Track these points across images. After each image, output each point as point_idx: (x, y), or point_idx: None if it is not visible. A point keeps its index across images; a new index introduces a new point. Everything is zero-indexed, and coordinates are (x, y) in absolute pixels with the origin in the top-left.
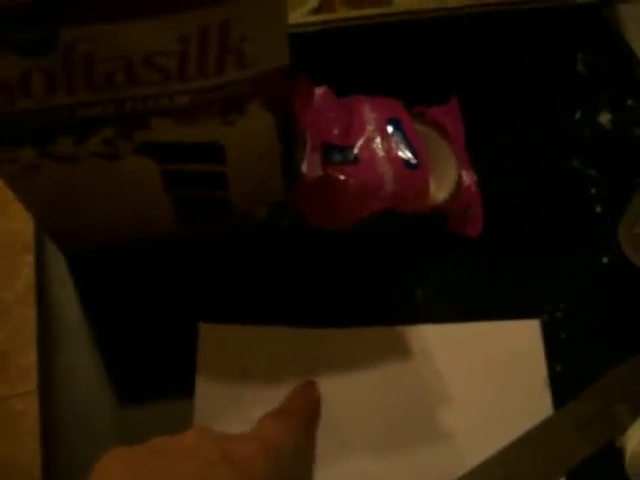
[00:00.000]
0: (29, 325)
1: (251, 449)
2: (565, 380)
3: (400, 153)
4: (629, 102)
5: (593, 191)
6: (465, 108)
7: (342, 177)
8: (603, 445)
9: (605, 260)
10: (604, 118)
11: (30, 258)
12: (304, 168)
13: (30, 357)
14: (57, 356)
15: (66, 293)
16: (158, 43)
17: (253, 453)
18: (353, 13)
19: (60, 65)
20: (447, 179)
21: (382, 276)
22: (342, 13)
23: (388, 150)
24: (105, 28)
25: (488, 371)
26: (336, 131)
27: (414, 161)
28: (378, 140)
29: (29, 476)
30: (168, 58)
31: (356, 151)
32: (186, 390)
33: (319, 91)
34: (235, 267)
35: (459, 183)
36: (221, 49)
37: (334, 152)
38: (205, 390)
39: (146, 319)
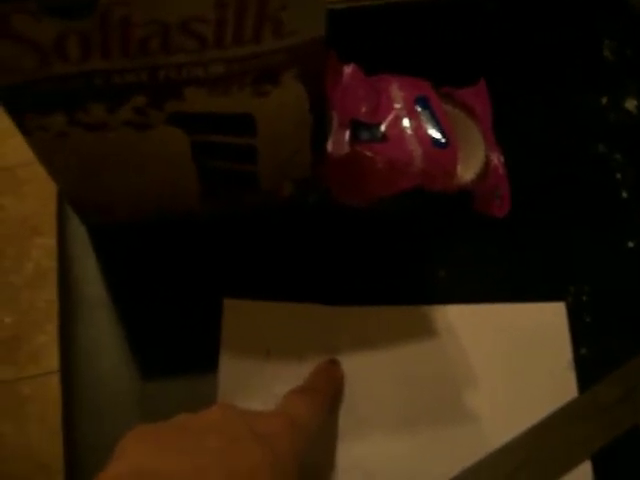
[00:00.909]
0: (38, 309)
1: (277, 425)
2: (590, 363)
3: (429, 131)
4: None
5: (619, 176)
6: (493, 90)
7: (370, 154)
8: (627, 429)
9: (631, 244)
10: (630, 104)
11: (40, 241)
12: (330, 146)
13: (39, 340)
14: (79, 331)
15: (88, 267)
16: (195, 8)
17: (280, 429)
18: None
19: (97, 29)
20: (474, 159)
21: (407, 254)
22: None
23: (417, 128)
24: None
25: (513, 353)
26: (364, 109)
27: (443, 140)
28: (406, 118)
29: (32, 461)
30: (205, 25)
31: (384, 129)
32: (210, 366)
33: (348, 69)
34: (260, 244)
35: (486, 164)
36: (259, 17)
37: (362, 129)
38: (229, 366)
39: (170, 294)
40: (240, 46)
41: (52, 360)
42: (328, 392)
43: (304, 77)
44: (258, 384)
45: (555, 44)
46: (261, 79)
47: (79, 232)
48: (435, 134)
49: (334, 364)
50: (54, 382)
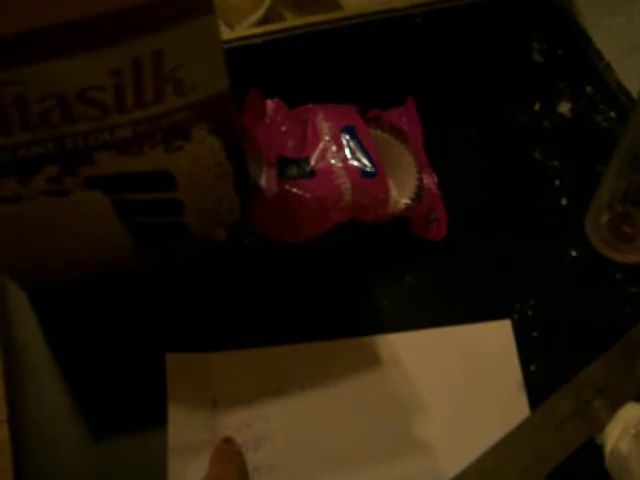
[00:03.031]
0: None
1: None
2: (540, 379)
3: (356, 162)
4: (588, 89)
5: (557, 183)
6: (422, 108)
7: (299, 192)
8: (583, 443)
9: (574, 253)
10: (564, 107)
11: None
12: (263, 183)
13: None
14: (25, 396)
15: (30, 329)
16: (90, 79)
17: None
18: (302, 21)
19: None
20: (408, 183)
21: (348, 287)
22: (291, 22)
23: (344, 160)
24: (32, 69)
25: (461, 376)
26: (291, 144)
27: (371, 169)
28: (334, 150)
29: None
30: (103, 92)
31: (312, 163)
32: (159, 421)
33: (271, 104)
34: (200, 291)
35: (420, 187)
36: (157, 78)
37: (290, 166)
38: (177, 420)
39: (114, 352)
40: (143, 108)
41: None
42: (232, 475)
43: (215, 129)
44: (208, 435)
45: (483, 54)
46: (172, 136)
47: (18, 293)
48: (363, 164)
49: (229, 442)
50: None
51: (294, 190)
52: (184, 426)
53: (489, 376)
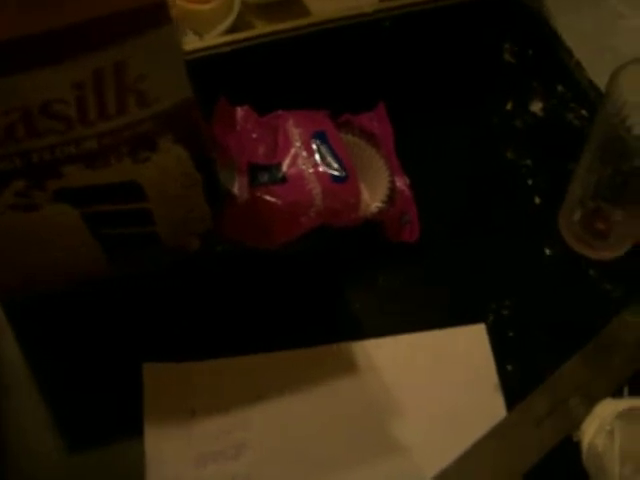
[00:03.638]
0: None
1: None
2: (517, 379)
3: (326, 168)
4: (559, 88)
5: (530, 182)
6: (393, 111)
7: (270, 199)
8: (560, 441)
9: (548, 252)
10: (536, 107)
11: None
12: (234, 191)
13: None
14: (2, 407)
15: (5, 341)
16: (52, 92)
17: None
18: (271, 28)
19: None
20: (380, 186)
21: (321, 292)
22: (260, 29)
23: (315, 166)
24: None
25: (438, 380)
26: (262, 150)
27: (342, 174)
28: (305, 155)
29: None
30: (66, 105)
31: (284, 169)
32: (136, 432)
33: (241, 112)
34: (174, 300)
35: (392, 189)
36: (119, 90)
37: (261, 172)
38: (154, 431)
39: (90, 362)
40: (106, 120)
41: None
42: None
43: (181, 139)
44: (186, 445)
45: (454, 57)
46: (138, 147)
47: None
48: (334, 170)
49: None
50: None
51: (265, 197)
52: (161, 436)
53: (465, 379)
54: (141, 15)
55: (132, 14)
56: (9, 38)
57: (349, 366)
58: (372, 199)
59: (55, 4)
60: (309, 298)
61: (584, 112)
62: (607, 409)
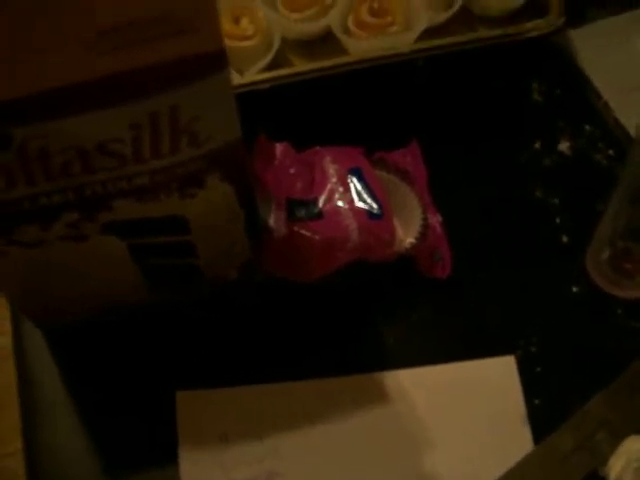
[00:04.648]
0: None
1: None
2: (544, 413)
3: (362, 204)
4: (587, 128)
5: (558, 221)
6: (425, 149)
7: (307, 234)
8: (586, 476)
9: (575, 289)
10: (564, 146)
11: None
12: (272, 224)
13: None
14: (40, 428)
15: (45, 366)
16: (109, 132)
17: None
18: (310, 66)
19: (16, 161)
20: (413, 223)
21: (355, 324)
22: (299, 67)
23: (351, 202)
24: (54, 124)
25: (467, 411)
26: (299, 186)
27: (378, 211)
28: (341, 191)
29: None
30: (122, 144)
31: (320, 204)
32: (171, 458)
33: (279, 148)
34: (210, 328)
35: (425, 226)
36: (173, 131)
37: (299, 207)
38: (189, 457)
39: (126, 389)
40: (159, 159)
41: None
42: None
43: (228, 177)
44: (220, 471)
45: (483, 94)
46: (187, 184)
47: (34, 332)
48: (370, 206)
49: None
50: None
51: (303, 231)
52: (196, 463)
53: (494, 411)
54: (203, 60)
55: (195, 59)
56: (70, 83)
57: (380, 395)
58: (405, 235)
59: (126, 46)
60: (343, 329)
61: (611, 152)
62: (634, 445)
